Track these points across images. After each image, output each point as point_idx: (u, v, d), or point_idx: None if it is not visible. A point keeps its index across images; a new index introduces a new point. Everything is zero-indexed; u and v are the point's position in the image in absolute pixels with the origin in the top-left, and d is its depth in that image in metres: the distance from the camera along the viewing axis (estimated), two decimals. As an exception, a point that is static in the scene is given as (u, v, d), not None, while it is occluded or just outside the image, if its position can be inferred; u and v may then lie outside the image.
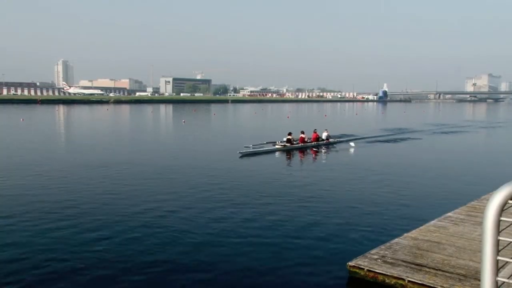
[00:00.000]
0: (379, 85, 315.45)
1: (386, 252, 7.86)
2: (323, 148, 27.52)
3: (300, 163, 23.11)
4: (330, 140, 29.20)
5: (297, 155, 24.65)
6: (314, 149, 26.92)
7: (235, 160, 21.98)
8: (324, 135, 29.09)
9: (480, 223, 5.70)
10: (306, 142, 27.06)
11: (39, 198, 13.79)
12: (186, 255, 9.07)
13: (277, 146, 25.00)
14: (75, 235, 10.12)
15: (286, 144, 25.38)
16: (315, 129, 28.90)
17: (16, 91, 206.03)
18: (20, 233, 10.29)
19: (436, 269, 7.06)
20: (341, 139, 31.17)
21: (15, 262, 8.55)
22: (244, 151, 22.96)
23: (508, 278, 3.77)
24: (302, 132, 27.28)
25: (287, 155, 24.31)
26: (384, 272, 7.07)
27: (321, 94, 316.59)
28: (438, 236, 8.67)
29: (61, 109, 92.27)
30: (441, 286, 6.50)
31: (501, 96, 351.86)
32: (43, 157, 22.54)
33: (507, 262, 3.35)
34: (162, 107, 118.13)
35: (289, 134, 26.08)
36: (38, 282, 7.77)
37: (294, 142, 26.14)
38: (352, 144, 27.51)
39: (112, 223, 11.09)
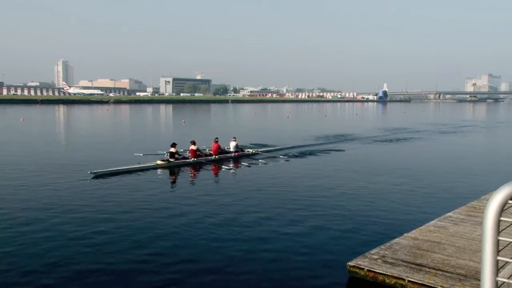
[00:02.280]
0: (379, 85, 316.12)
1: (386, 252, 7.86)
2: (230, 163, 21.45)
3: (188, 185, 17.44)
4: (245, 151, 23.41)
5: (184, 174, 19.15)
6: (214, 163, 20.92)
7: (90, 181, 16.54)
8: (232, 146, 22.87)
9: (480, 223, 5.71)
10: (200, 155, 21.20)
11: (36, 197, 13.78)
12: (196, 256, 9.07)
13: (158, 162, 19.71)
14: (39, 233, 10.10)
15: (170, 160, 20.11)
16: (216, 138, 22.30)
17: (16, 91, 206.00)
18: (21, 234, 10.29)
19: (436, 269, 7.07)
20: (262, 150, 24.41)
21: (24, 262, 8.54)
22: (98, 171, 17.53)
23: (508, 278, 3.78)
24: (216, 141, 22.08)
25: (170, 174, 18.93)
26: (384, 272, 7.07)
27: (321, 94, 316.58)
28: (438, 236, 8.68)
29: (61, 109, 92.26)
30: (441, 286, 6.50)
31: (501, 96, 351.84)
32: (38, 157, 22.55)
33: (507, 262, 3.35)
34: (162, 107, 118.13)
35: (173, 145, 20.38)
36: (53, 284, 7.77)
37: (185, 156, 20.90)
38: (284, 156, 22.69)
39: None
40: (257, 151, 23.92)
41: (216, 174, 19.17)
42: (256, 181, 16.94)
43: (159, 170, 19.26)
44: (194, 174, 19.24)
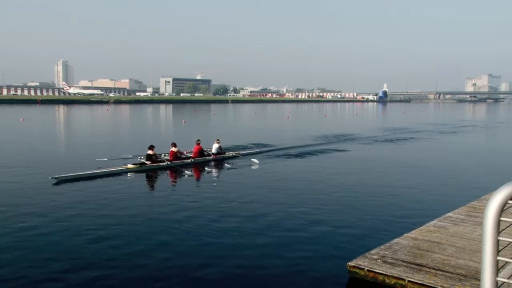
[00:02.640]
0: (379, 85, 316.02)
1: (386, 252, 7.86)
2: (212, 165, 20.83)
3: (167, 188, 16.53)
4: (227, 154, 22.57)
5: (157, 178, 18.06)
6: (195, 166, 20.28)
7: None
8: (214, 148, 22.14)
9: (480, 223, 5.71)
10: (181, 157, 20.42)
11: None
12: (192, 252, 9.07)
13: (129, 166, 18.44)
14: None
15: (147, 162, 19.04)
16: (198, 140, 21.70)
17: (16, 91, 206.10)
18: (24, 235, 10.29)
19: (436, 269, 7.07)
20: (243, 152, 23.89)
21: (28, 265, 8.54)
22: (60, 175, 16.08)
23: (508, 278, 3.78)
24: (198, 143, 21.42)
25: (147, 177, 17.92)
26: (384, 272, 7.07)
27: (321, 94, 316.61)
28: (438, 236, 8.68)
29: (61, 109, 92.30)
30: (441, 286, 6.50)
31: (501, 96, 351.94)
32: (40, 156, 22.56)
33: (507, 262, 3.35)
34: (162, 107, 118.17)
35: (151, 147, 19.41)
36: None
37: (161, 159, 19.82)
38: (255, 160, 21.11)
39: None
40: (238, 153, 23.11)
41: (195, 178, 18.46)
42: (243, 183, 16.60)
43: (129, 174, 17.91)
44: (168, 178, 18.06)
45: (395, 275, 6.95)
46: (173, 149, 20.20)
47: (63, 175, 16.16)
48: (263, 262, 8.69)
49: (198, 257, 8.96)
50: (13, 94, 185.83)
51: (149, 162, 19.11)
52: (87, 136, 36.87)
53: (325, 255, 9.11)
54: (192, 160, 20.61)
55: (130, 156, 20.22)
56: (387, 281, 7.02)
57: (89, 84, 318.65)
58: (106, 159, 19.50)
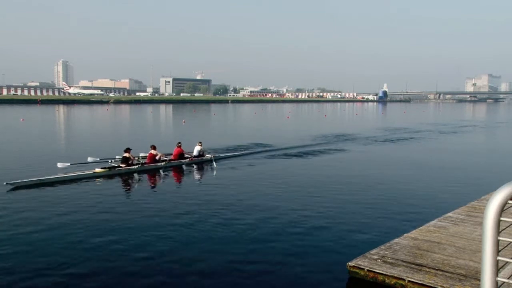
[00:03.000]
0: (379, 85, 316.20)
1: (386, 252, 7.86)
2: (195, 167, 20.26)
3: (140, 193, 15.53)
4: (207, 156, 21.43)
5: (128, 182, 16.84)
6: (175, 168, 19.65)
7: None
8: (196, 150, 21.31)
9: (480, 223, 5.71)
10: (159, 160, 19.46)
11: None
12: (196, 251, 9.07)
13: (96, 170, 17.24)
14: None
15: (121, 166, 18.06)
16: (179, 143, 20.82)
17: (16, 91, 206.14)
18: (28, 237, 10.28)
19: (436, 269, 7.06)
20: (227, 155, 23.18)
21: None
22: (16, 181, 14.88)
23: (508, 278, 3.78)
24: (179, 146, 20.64)
25: (115, 182, 16.62)
26: (384, 272, 7.07)
27: (321, 94, 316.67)
28: (438, 236, 8.67)
29: (61, 109, 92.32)
30: (441, 286, 6.50)
31: (501, 96, 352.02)
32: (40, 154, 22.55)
33: (507, 262, 3.35)
34: (162, 107, 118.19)
35: (127, 150, 18.50)
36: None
37: (137, 162, 18.89)
38: (214, 165, 20.18)
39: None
40: (215, 155, 21.80)
41: (171, 181, 17.85)
42: (228, 185, 16.08)
43: (97, 180, 16.67)
44: (138, 183, 16.98)
45: (395, 275, 6.95)
46: (152, 151, 19.29)
47: (20, 181, 14.86)
48: (262, 262, 8.68)
49: (198, 258, 8.96)
50: (13, 94, 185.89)
51: (123, 165, 18.12)
52: (83, 136, 36.87)
53: (325, 255, 9.11)
54: (165, 163, 19.46)
55: (98, 159, 18.95)
56: (387, 281, 7.02)
57: (89, 84, 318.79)
58: (69, 164, 17.78)
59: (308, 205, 13.07)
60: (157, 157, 19.35)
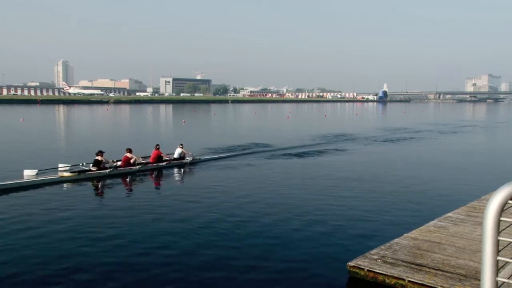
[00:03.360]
0: (379, 85, 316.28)
1: (386, 252, 7.86)
2: (175, 170, 19.46)
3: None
4: (188, 159, 20.57)
5: (105, 187, 15.99)
6: (153, 171, 18.81)
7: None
8: (177, 153, 20.48)
9: (480, 223, 5.71)
10: (134, 163, 18.41)
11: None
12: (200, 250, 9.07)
13: (64, 174, 16.26)
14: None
15: (92, 169, 17.16)
16: (157, 145, 19.88)
17: (16, 91, 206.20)
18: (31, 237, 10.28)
19: (436, 269, 7.07)
20: (206, 157, 22.04)
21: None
22: None
23: (508, 278, 3.78)
24: (157, 148, 19.70)
25: (84, 188, 15.76)
26: (384, 272, 7.07)
27: (321, 94, 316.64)
28: (438, 236, 8.68)
29: (61, 109, 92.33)
30: (441, 286, 6.50)
31: (501, 96, 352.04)
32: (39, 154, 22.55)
33: (507, 262, 3.35)
34: (162, 107, 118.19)
35: (99, 153, 17.63)
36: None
37: (110, 165, 17.80)
38: (187, 169, 19.66)
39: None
40: (195, 158, 20.94)
41: (147, 186, 16.93)
42: (215, 187, 15.49)
43: (65, 185, 15.73)
44: (110, 187, 16.14)
45: (395, 275, 6.95)
46: (128, 154, 18.33)
47: None
48: (262, 263, 8.69)
49: (197, 259, 8.96)
50: (13, 94, 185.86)
51: (95, 169, 17.23)
52: (83, 136, 36.86)
53: (325, 255, 9.11)
54: (141, 166, 18.55)
55: (68, 166, 17.30)
56: (387, 281, 7.02)
57: (89, 84, 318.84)
58: (36, 172, 16.49)
59: (308, 205, 13.07)
60: (131, 161, 18.37)
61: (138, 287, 7.66)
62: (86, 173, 16.95)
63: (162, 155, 19.79)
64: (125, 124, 56.55)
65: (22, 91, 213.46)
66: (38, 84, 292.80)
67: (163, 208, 12.73)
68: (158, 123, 60.19)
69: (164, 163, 19.69)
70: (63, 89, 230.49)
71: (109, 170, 17.42)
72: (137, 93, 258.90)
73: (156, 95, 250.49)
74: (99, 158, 17.62)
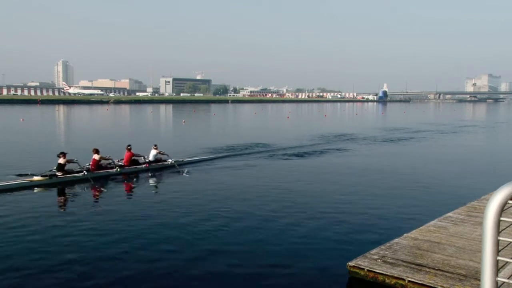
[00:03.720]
0: (379, 85, 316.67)
1: (386, 252, 7.86)
2: (155, 174, 18.31)
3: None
4: (169, 161, 19.48)
5: (73, 193, 15.05)
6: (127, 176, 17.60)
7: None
8: (152, 155, 19.21)
9: (480, 223, 5.71)
10: (107, 166, 17.43)
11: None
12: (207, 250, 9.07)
13: (35, 178, 15.29)
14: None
15: (58, 174, 15.91)
16: (129, 146, 18.51)
17: (16, 91, 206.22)
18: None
19: (436, 269, 7.07)
20: (189, 160, 20.80)
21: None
22: None
23: (508, 278, 3.78)
24: (128, 149, 18.36)
25: (53, 193, 14.92)
26: (384, 272, 7.07)
27: (321, 94, 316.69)
28: (438, 236, 8.68)
29: (61, 109, 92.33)
30: (441, 286, 6.50)
31: (501, 96, 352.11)
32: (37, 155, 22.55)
33: (507, 262, 3.35)
34: (162, 107, 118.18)
35: (62, 155, 16.15)
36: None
37: (80, 168, 16.50)
38: (184, 170, 18.80)
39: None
40: (177, 160, 19.80)
41: (126, 190, 15.94)
42: (203, 191, 14.81)
43: (35, 189, 14.83)
44: (85, 192, 15.21)
45: (395, 275, 6.95)
46: (95, 156, 17.01)
47: None
48: (263, 263, 8.69)
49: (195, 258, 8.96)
50: (13, 94, 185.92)
51: (60, 173, 15.91)
52: (83, 136, 36.85)
53: (325, 255, 9.12)
54: (118, 170, 17.48)
55: (29, 173, 15.87)
56: (387, 281, 7.02)
57: (89, 84, 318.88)
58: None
59: (308, 205, 13.08)
60: (101, 163, 17.11)
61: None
62: (58, 177, 15.80)
63: (135, 157, 18.53)
64: (125, 124, 56.54)
65: (22, 91, 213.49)
66: (38, 84, 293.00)
67: (150, 213, 12.32)
68: (158, 123, 60.19)
69: (143, 166, 18.66)
70: (63, 89, 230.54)
71: (84, 173, 16.31)
72: (137, 93, 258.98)
73: (156, 95, 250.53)
74: (61, 161, 15.96)
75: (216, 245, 9.62)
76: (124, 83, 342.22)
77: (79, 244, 9.61)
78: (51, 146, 28.44)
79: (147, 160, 19.05)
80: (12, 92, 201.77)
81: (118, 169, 17.57)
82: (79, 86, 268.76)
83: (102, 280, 7.85)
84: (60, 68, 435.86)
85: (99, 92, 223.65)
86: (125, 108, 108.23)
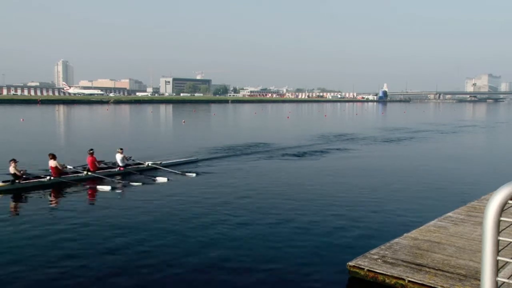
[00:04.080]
0: (379, 85, 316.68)
1: (386, 252, 7.86)
2: (113, 181, 16.13)
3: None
4: (146, 163, 18.49)
5: (36, 200, 13.96)
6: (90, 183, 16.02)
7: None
8: (118, 159, 17.80)
9: (480, 223, 5.71)
10: (64, 172, 16.30)
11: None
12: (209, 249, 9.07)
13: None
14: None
15: (17, 181, 14.98)
16: (91, 150, 17.14)
17: (16, 91, 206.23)
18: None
19: (436, 269, 7.07)
20: (167, 162, 19.44)
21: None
22: None
23: (508, 278, 3.78)
24: (91, 153, 17.06)
25: (13, 200, 13.95)
26: (384, 272, 7.08)
27: (321, 94, 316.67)
28: (438, 236, 8.68)
29: (61, 109, 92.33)
30: (441, 286, 6.50)
31: (501, 96, 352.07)
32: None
33: (507, 262, 3.35)
34: (162, 107, 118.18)
35: (12, 161, 15.10)
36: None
37: (37, 174, 15.78)
38: (162, 179, 16.58)
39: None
40: (155, 163, 18.58)
41: (94, 197, 14.49)
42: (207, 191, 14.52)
43: None
44: (54, 199, 14.45)
45: (395, 275, 6.95)
46: (51, 163, 15.83)
47: None
48: (263, 263, 8.69)
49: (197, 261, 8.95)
50: (13, 94, 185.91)
51: (17, 181, 14.92)
52: (82, 136, 36.86)
53: (325, 255, 9.12)
54: (87, 173, 16.55)
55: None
56: (387, 281, 7.02)
57: (89, 84, 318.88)
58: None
59: (308, 205, 13.08)
60: (60, 168, 16.06)
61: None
62: (21, 182, 14.92)
63: (97, 162, 17.19)
64: (125, 124, 56.53)
65: (22, 91, 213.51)
66: (38, 84, 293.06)
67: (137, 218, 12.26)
68: (158, 123, 60.19)
69: (116, 169, 17.53)
70: (63, 89, 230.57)
71: (48, 178, 15.48)
72: (137, 93, 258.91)
73: (156, 95, 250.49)
74: (11, 169, 14.86)
75: (215, 245, 9.62)
76: (124, 83, 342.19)
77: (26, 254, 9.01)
78: (51, 146, 28.46)
79: (111, 165, 17.74)
80: (12, 92, 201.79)
81: (87, 173, 16.55)
82: (79, 86, 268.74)
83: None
84: (60, 68, 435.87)
85: (99, 92, 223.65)
86: (125, 108, 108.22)
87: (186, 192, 14.75)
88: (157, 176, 16.97)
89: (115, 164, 17.94)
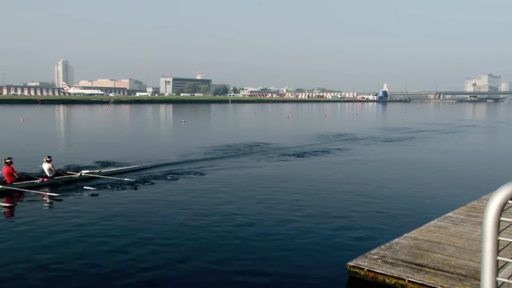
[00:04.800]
0: (379, 85, 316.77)
1: (386, 252, 7.86)
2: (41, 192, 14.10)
3: None
4: (82, 172, 16.58)
5: None
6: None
7: None
8: (45, 169, 15.71)
9: (480, 223, 5.71)
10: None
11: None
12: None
13: None
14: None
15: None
16: (8, 159, 14.96)
17: (16, 91, 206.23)
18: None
19: (436, 269, 7.07)
20: (106, 171, 17.32)
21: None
22: None
23: (508, 278, 3.78)
24: (7, 162, 14.84)
25: None
26: (384, 272, 7.08)
27: (321, 94, 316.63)
28: (438, 236, 8.68)
29: (61, 109, 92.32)
30: (441, 286, 6.50)
31: (501, 96, 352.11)
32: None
33: (507, 262, 3.35)
34: (162, 107, 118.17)
35: None
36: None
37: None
38: (89, 187, 14.85)
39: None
40: (94, 172, 16.79)
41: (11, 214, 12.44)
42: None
43: None
44: None
45: (395, 275, 6.95)
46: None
47: None
48: (263, 263, 8.69)
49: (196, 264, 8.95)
50: (13, 94, 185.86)
51: None
52: (82, 136, 36.85)
53: (325, 255, 9.12)
54: (2, 187, 14.34)
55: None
56: (387, 281, 7.02)
57: (89, 84, 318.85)
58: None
59: (308, 205, 13.07)
60: None
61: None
62: None
63: (14, 173, 14.89)
64: (125, 124, 56.53)
65: (22, 91, 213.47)
66: (38, 84, 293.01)
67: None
68: (158, 123, 60.19)
69: (38, 181, 15.32)
70: (63, 89, 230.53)
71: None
72: (137, 93, 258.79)
73: (156, 95, 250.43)
74: None
75: (214, 245, 9.62)
76: (124, 83, 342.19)
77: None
78: (51, 146, 28.45)
79: (48, 175, 15.66)
80: (12, 92, 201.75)
81: (2, 187, 14.27)
82: (79, 86, 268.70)
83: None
84: (60, 68, 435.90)
85: (99, 92, 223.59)
86: (125, 108, 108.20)
87: (122, 201, 13.28)
88: (90, 186, 15.06)
89: (42, 175, 15.67)
